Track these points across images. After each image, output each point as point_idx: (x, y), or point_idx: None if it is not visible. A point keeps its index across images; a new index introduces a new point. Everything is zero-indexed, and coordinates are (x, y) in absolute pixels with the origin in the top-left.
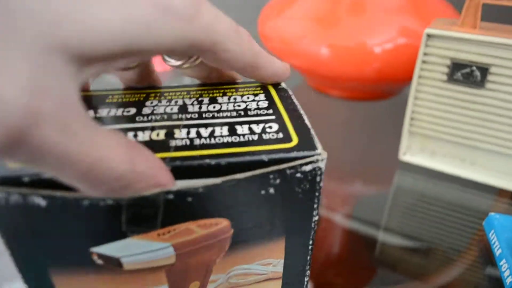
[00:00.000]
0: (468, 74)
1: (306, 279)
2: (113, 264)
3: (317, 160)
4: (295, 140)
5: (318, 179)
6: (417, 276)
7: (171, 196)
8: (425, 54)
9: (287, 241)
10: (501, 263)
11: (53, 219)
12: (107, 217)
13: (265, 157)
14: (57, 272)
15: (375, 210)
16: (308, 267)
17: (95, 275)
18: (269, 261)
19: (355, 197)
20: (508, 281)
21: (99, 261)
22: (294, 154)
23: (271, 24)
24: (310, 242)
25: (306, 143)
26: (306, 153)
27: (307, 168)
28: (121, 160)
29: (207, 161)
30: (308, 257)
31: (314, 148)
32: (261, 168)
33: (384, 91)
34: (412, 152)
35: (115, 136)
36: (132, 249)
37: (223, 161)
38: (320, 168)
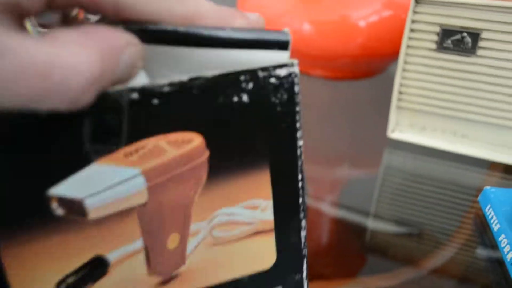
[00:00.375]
0: (458, 41)
1: (303, 234)
2: (76, 213)
3: (292, 64)
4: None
5: (296, 89)
6: (412, 260)
7: (135, 96)
8: (413, 21)
9: (272, 174)
10: (500, 238)
11: None
12: (67, 133)
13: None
14: (6, 246)
15: (363, 194)
16: (303, 217)
17: (53, 237)
18: (255, 203)
19: (342, 182)
20: (509, 256)
21: (60, 211)
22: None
23: (251, 2)
24: (299, 177)
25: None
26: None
27: (282, 72)
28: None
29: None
30: (300, 202)
31: (286, 47)
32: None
33: (369, 69)
34: (401, 129)
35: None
36: (97, 183)
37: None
38: (296, 75)
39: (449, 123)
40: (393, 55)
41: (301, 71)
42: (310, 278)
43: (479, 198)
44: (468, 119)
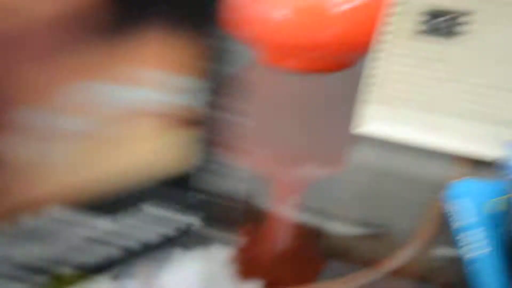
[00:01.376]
0: (445, 22)
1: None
2: None
3: None
4: None
5: None
6: (374, 261)
7: None
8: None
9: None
10: (468, 233)
11: None
12: None
13: None
14: None
15: (327, 195)
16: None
17: None
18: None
19: (306, 182)
20: (477, 253)
21: None
22: None
23: None
24: None
25: None
26: None
27: None
28: None
29: None
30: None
31: None
32: None
33: (343, 60)
34: (370, 123)
35: None
36: None
37: None
38: None
39: (425, 115)
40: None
41: (271, 63)
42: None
43: (447, 192)
44: (444, 112)
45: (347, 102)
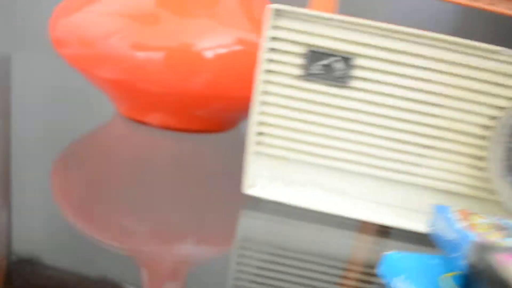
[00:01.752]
0: (327, 66)
1: None
2: None
3: None
4: None
5: None
6: None
7: None
8: (273, 38)
9: None
10: None
11: None
12: None
13: None
14: None
15: (214, 278)
16: None
17: None
18: None
19: (187, 264)
20: None
21: None
22: None
23: (65, 23)
24: None
25: None
26: None
27: None
28: None
29: None
30: None
31: None
32: None
33: (220, 119)
34: (259, 183)
35: None
36: None
37: None
38: None
39: (319, 174)
40: (247, 100)
41: (135, 119)
42: None
43: (380, 266)
44: (345, 171)
45: (231, 165)
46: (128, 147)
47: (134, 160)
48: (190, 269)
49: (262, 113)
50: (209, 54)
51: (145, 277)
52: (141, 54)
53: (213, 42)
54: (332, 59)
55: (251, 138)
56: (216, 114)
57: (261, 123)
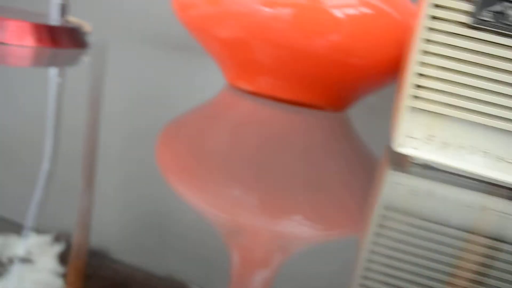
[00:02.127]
0: (499, 13)
1: None
2: None
3: None
4: None
5: None
6: None
7: None
8: None
9: None
10: None
11: None
12: None
13: None
14: None
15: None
16: None
17: None
18: None
19: (289, 249)
20: None
21: None
22: None
23: None
24: None
25: None
26: None
27: None
28: None
29: None
30: None
31: None
32: None
33: (336, 93)
34: (413, 143)
35: None
36: None
37: None
38: None
39: (480, 135)
40: (373, 72)
41: (244, 88)
42: None
43: None
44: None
45: (342, 144)
46: (239, 117)
47: (247, 132)
48: (284, 258)
49: (422, 63)
50: (339, 13)
51: (235, 260)
52: (269, 11)
53: (346, 1)
54: (506, 4)
55: (408, 90)
56: (334, 86)
57: (420, 75)
